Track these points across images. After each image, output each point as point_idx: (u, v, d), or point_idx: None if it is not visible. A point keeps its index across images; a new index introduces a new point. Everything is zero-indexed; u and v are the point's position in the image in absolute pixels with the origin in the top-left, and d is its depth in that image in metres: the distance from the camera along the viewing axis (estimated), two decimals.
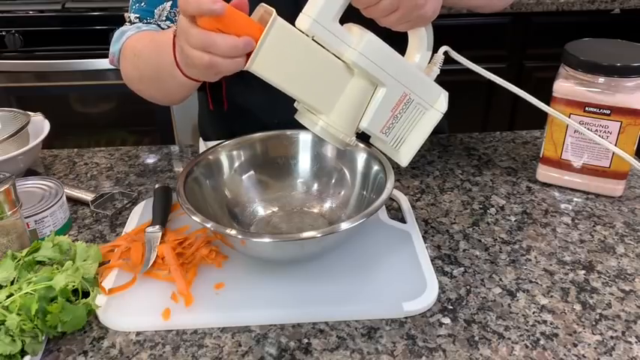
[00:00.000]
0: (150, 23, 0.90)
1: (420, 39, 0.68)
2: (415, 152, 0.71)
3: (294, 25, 0.61)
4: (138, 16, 0.90)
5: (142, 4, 0.90)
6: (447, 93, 0.70)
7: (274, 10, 0.59)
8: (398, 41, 0.68)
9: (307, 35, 0.62)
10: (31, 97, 1.98)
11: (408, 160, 0.72)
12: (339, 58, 0.64)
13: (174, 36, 0.71)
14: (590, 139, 0.84)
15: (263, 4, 0.61)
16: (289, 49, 0.61)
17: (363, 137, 0.71)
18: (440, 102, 0.69)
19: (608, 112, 0.82)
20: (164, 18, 0.90)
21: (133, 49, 0.86)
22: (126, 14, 0.92)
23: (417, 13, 0.64)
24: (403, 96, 0.67)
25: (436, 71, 0.70)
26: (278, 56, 0.61)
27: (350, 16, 0.63)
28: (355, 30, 0.64)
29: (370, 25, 0.64)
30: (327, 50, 0.63)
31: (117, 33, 0.91)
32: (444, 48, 0.71)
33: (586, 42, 0.88)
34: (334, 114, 0.66)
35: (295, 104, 0.68)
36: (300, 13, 0.61)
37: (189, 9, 0.57)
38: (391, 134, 0.70)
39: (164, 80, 0.77)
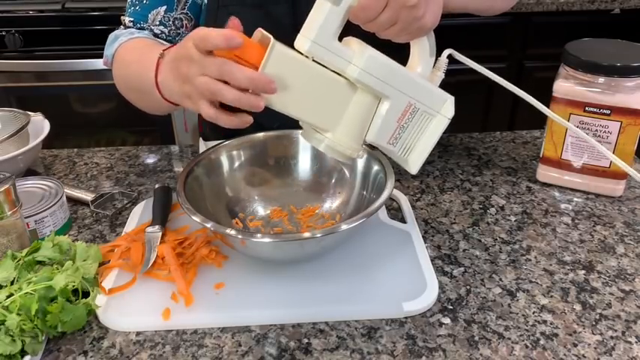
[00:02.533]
0: (143, 28, 0.91)
1: (421, 47, 0.68)
2: (424, 159, 0.71)
3: (292, 47, 0.61)
4: (132, 19, 0.91)
5: (137, 7, 0.91)
6: (452, 98, 0.69)
7: (272, 37, 0.59)
8: (399, 49, 0.67)
9: (307, 56, 0.61)
10: (31, 97, 1.98)
11: (417, 168, 0.71)
12: (340, 75, 0.64)
13: (160, 57, 0.71)
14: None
15: (260, 28, 0.61)
16: (289, 73, 0.61)
17: (371, 145, 0.71)
18: (446, 107, 0.69)
19: (608, 112, 0.82)
20: (157, 23, 0.90)
21: (123, 60, 0.86)
22: (122, 17, 0.93)
23: (417, 24, 0.63)
24: (408, 106, 0.67)
25: (440, 76, 0.69)
26: (278, 81, 0.60)
27: (349, 30, 0.63)
28: (355, 45, 0.63)
29: (370, 37, 0.64)
30: (328, 69, 0.63)
31: (111, 37, 0.91)
32: (447, 51, 0.70)
33: (586, 42, 0.88)
34: (339, 131, 0.66)
35: (300, 122, 0.68)
36: (299, 35, 0.61)
37: (207, 46, 0.58)
38: (399, 144, 0.69)
39: (147, 95, 0.78)
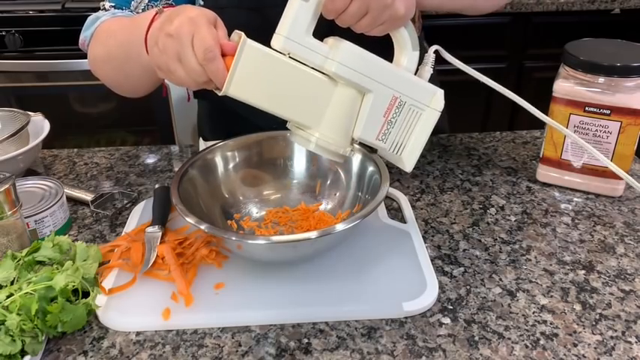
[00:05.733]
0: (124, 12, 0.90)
1: (402, 40, 0.67)
2: (418, 156, 0.70)
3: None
4: (113, 4, 0.90)
5: None
6: (442, 91, 0.68)
7: (243, 33, 0.60)
8: (385, 50, 0.67)
9: (283, 53, 0.62)
10: (31, 97, 1.98)
11: (411, 165, 0.71)
12: (320, 71, 0.64)
13: (157, 13, 0.70)
14: (590, 138, 0.84)
15: (236, 30, 0.61)
16: (265, 69, 0.61)
17: (370, 148, 0.71)
18: (436, 100, 0.68)
19: (608, 112, 0.82)
20: (140, 11, 0.89)
21: (107, 30, 0.85)
22: (102, 2, 0.92)
23: (388, 13, 0.63)
24: (394, 99, 0.66)
25: (428, 71, 0.69)
26: (254, 78, 0.61)
27: (329, 33, 0.64)
28: (331, 41, 0.64)
29: (354, 40, 0.64)
30: (307, 65, 0.63)
31: (90, 18, 0.90)
32: (434, 47, 0.70)
33: (586, 42, 0.88)
34: (324, 128, 0.66)
35: (287, 124, 0.68)
36: (274, 33, 0.62)
37: (205, 57, 0.59)
38: (389, 140, 0.69)
39: (130, 59, 0.76)
